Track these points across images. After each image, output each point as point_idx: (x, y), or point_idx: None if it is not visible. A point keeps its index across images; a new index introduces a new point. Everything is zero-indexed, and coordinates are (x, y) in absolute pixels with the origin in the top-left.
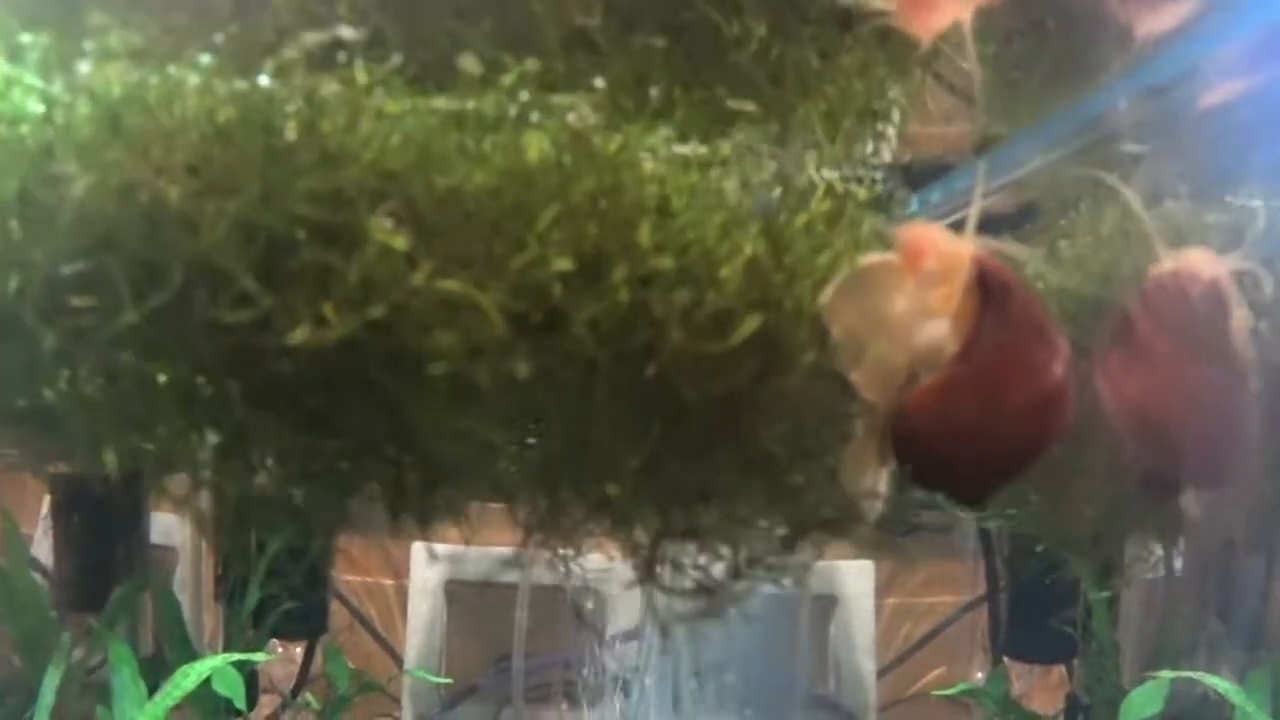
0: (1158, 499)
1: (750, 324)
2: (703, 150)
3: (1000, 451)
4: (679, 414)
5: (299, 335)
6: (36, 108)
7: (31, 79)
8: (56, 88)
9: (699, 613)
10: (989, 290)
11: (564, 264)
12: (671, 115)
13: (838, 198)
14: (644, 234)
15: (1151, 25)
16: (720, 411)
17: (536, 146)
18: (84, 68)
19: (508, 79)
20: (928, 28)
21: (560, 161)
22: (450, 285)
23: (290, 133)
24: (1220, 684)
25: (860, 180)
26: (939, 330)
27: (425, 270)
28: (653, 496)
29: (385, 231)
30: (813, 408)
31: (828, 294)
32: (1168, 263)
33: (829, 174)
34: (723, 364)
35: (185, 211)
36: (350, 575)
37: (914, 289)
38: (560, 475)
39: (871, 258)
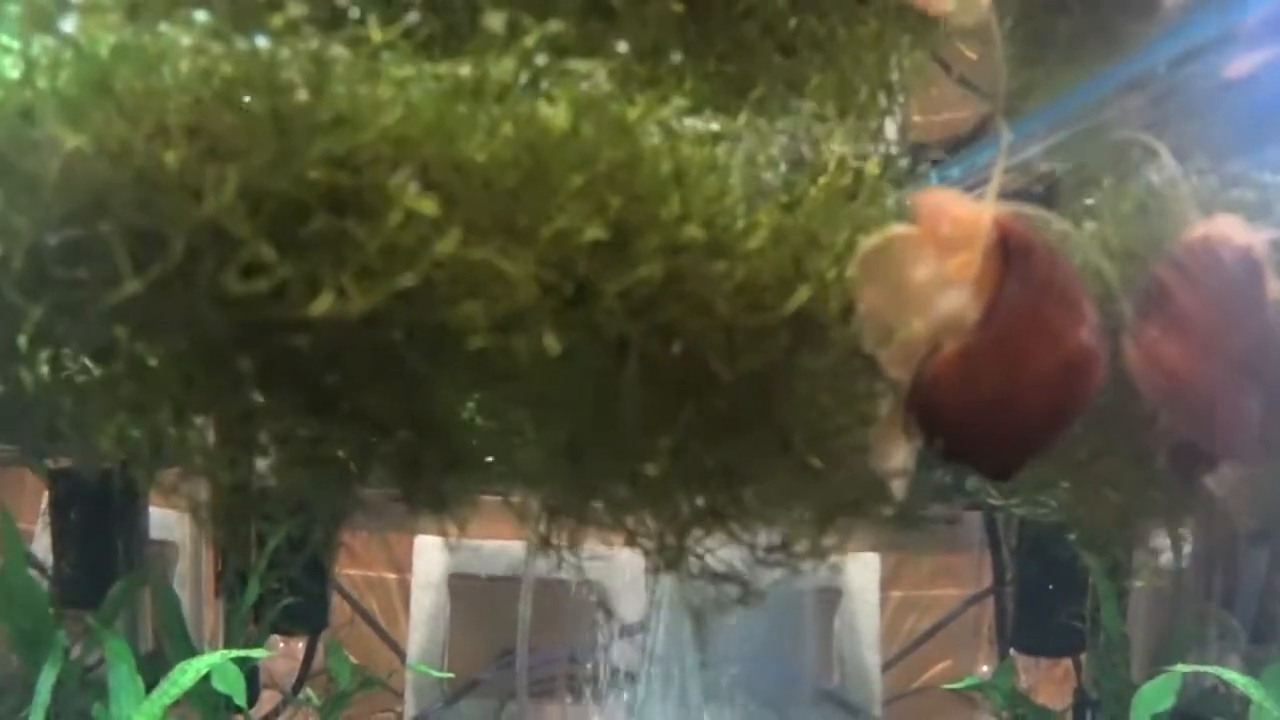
0: (1187, 473)
1: (801, 295)
2: (721, 121)
3: (1025, 421)
4: (707, 392)
5: (322, 305)
6: (11, 72)
7: (6, 39)
8: (37, 47)
9: (727, 602)
10: (1010, 253)
11: (596, 233)
12: (683, 84)
13: (855, 171)
14: (673, 204)
15: None
16: (748, 388)
17: (559, 114)
18: (69, 24)
19: (529, 41)
20: (939, 6)
21: (580, 129)
22: (480, 253)
23: (299, 94)
24: (1238, 678)
25: (877, 154)
26: (960, 298)
27: (453, 237)
28: (681, 479)
29: (412, 196)
30: (841, 383)
31: (852, 267)
32: (1200, 230)
33: (844, 147)
34: (754, 338)
35: (186, 176)
36: (352, 569)
37: (935, 257)
38: (586, 457)
39: (891, 230)
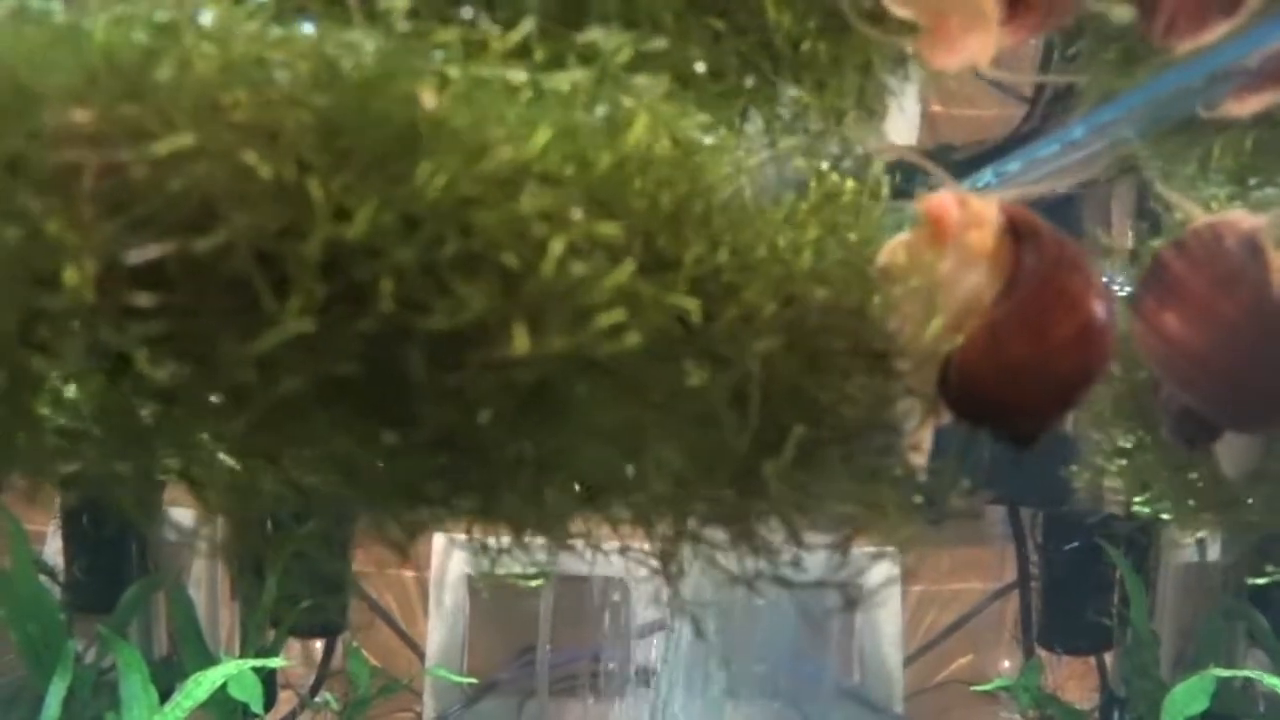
0: (1190, 440)
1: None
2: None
3: (1054, 383)
4: (790, 413)
5: (523, 344)
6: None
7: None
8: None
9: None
10: (1020, 233)
11: (725, 257)
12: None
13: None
14: (764, 228)
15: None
16: (821, 405)
17: (640, 131)
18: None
19: (617, 53)
20: (947, 64)
21: (691, 155)
22: (646, 283)
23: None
24: (1273, 680)
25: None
26: (978, 278)
27: (627, 268)
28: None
29: (586, 224)
30: (878, 384)
31: (877, 272)
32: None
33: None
34: (829, 357)
35: (328, 195)
36: (369, 567)
37: (950, 245)
38: (705, 480)
39: (900, 238)
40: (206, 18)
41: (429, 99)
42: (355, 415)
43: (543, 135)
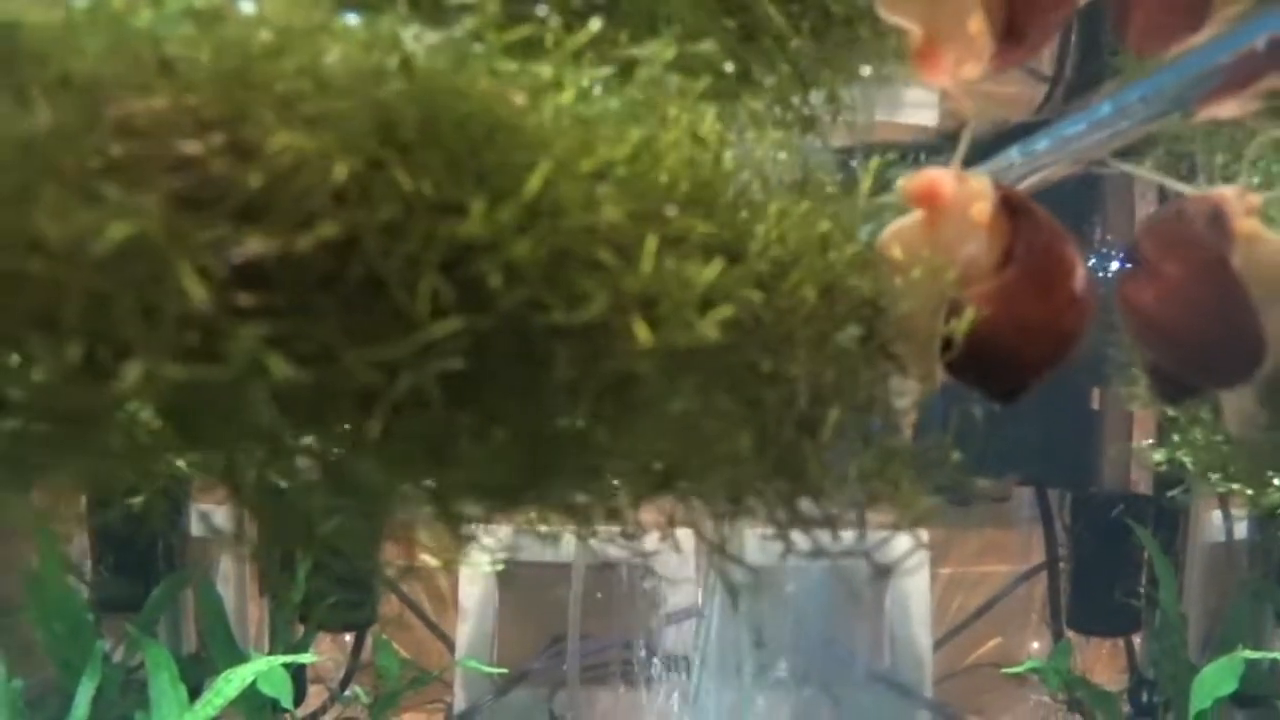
0: (1171, 399)
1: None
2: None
3: (1057, 340)
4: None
5: (644, 336)
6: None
7: None
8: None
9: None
10: (1014, 206)
11: (778, 250)
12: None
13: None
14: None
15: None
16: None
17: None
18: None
19: (663, 53)
20: (934, 80)
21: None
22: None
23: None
24: None
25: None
26: (977, 246)
27: (716, 266)
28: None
29: (678, 219)
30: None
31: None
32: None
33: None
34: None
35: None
36: (397, 559)
37: (947, 222)
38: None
39: (900, 221)
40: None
41: (519, 97)
42: (463, 412)
43: (636, 134)
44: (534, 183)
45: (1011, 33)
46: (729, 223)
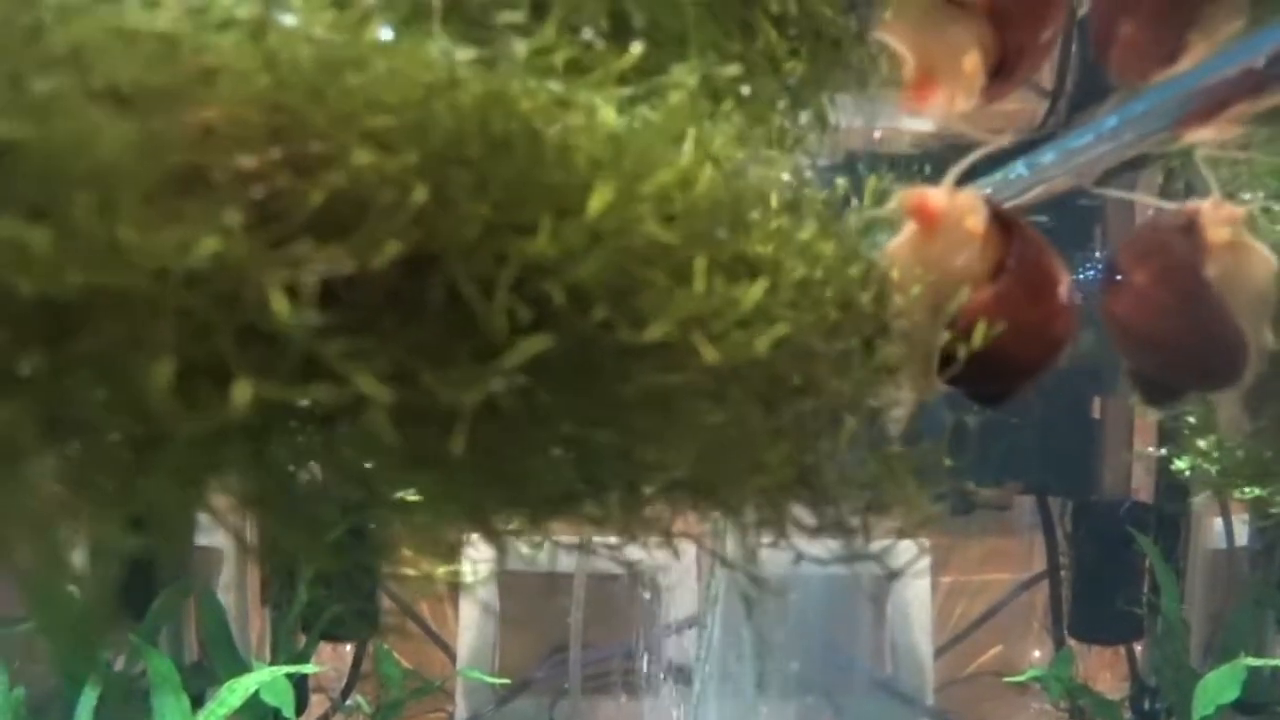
0: (1156, 403)
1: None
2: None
3: (1049, 344)
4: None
5: (710, 355)
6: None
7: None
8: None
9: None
10: (1004, 220)
11: (803, 269)
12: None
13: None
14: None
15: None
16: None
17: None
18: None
19: (692, 76)
20: (919, 109)
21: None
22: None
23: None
24: None
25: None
26: (970, 256)
27: (760, 286)
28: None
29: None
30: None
31: (888, 262)
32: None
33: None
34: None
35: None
36: (398, 569)
37: (942, 235)
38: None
39: (897, 238)
40: (291, 18)
41: (577, 117)
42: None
43: (687, 157)
44: (598, 203)
45: (1003, 69)
46: (762, 243)
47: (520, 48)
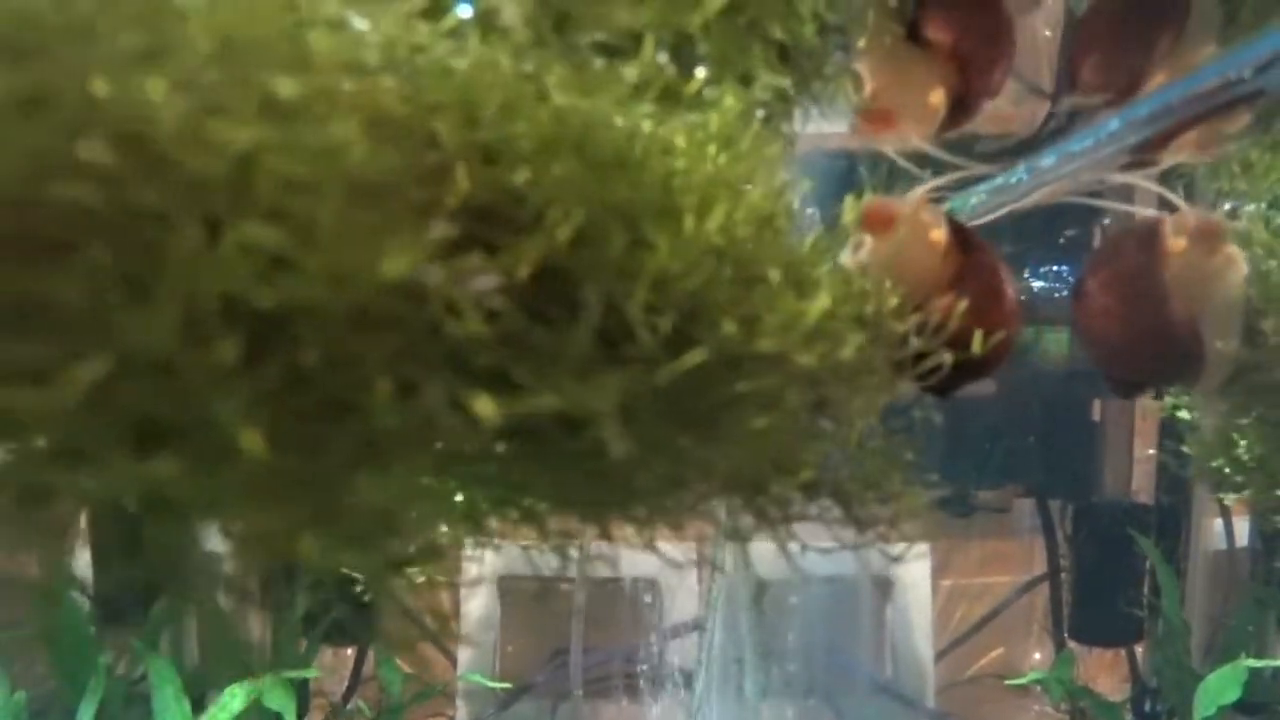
0: (1125, 395)
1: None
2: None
3: (1007, 343)
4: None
5: (805, 361)
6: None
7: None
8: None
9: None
10: (963, 234)
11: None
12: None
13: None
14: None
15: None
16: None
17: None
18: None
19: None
20: (876, 137)
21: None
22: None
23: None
24: None
25: None
26: (933, 264)
27: (824, 300)
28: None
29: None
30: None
31: (867, 265)
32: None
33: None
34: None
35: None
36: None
37: (909, 245)
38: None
39: (859, 240)
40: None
41: (680, 139)
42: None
43: (761, 176)
44: (714, 221)
45: (962, 105)
46: (810, 259)
47: (630, 74)
